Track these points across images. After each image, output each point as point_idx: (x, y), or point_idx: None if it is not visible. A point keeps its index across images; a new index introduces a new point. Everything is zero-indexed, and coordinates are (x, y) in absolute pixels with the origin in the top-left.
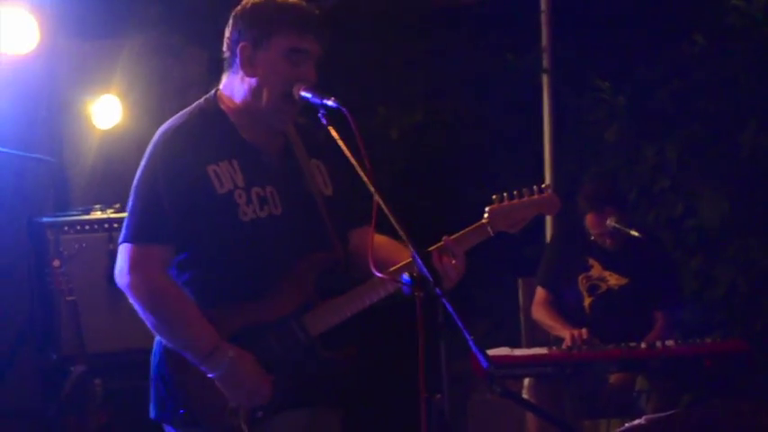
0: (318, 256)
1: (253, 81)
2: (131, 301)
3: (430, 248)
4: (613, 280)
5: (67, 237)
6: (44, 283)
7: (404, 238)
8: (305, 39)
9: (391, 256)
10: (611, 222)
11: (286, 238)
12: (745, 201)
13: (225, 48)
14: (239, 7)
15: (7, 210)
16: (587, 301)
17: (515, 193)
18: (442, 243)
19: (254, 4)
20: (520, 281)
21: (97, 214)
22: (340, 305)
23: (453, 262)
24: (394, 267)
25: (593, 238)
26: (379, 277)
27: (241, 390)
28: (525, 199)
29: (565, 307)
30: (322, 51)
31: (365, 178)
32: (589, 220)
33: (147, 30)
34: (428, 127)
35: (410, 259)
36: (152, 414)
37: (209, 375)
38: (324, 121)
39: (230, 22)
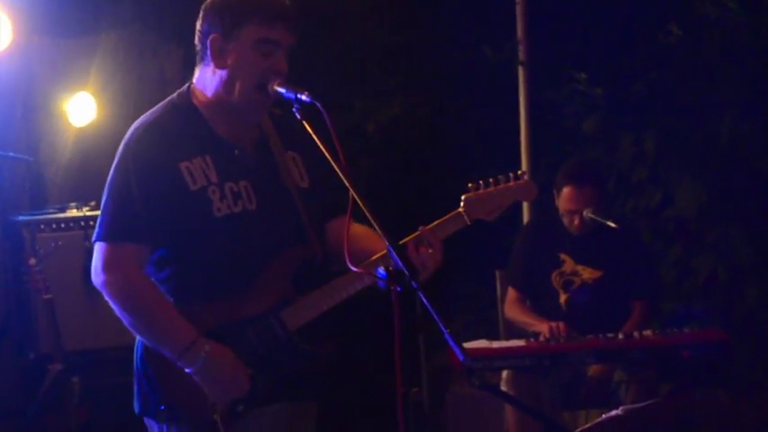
0: (295, 250)
1: (224, 73)
2: (107, 299)
3: (406, 239)
4: (587, 273)
5: (43, 235)
6: (20, 282)
7: (378, 231)
8: (275, 29)
9: (371, 245)
10: (587, 213)
11: (261, 234)
12: (724, 190)
13: (196, 40)
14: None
15: None
16: (563, 298)
17: (491, 180)
18: (417, 233)
19: None
20: (497, 273)
21: (73, 212)
22: (317, 299)
23: (430, 251)
24: (369, 260)
25: (563, 217)
26: (354, 271)
27: (218, 384)
28: (501, 186)
29: (540, 306)
30: (293, 42)
31: (340, 172)
32: (566, 194)
33: (121, 27)
34: (405, 120)
35: (385, 251)
36: (136, 409)
37: (187, 370)
38: (298, 116)
39: (201, 14)
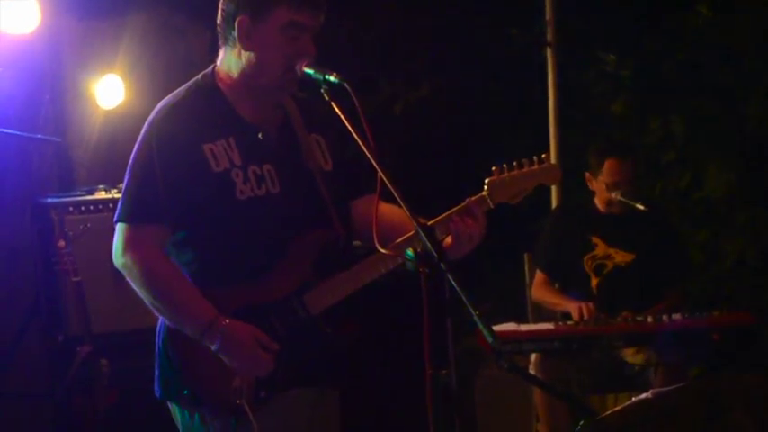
0: (318, 233)
1: (251, 56)
2: (128, 279)
3: (436, 219)
4: (619, 257)
5: (72, 217)
6: (49, 264)
7: (406, 212)
8: (304, 13)
9: (400, 224)
10: (616, 196)
11: (284, 217)
12: (752, 172)
13: (220, 21)
14: None
15: (11, 191)
16: (594, 282)
17: (515, 164)
18: (451, 211)
19: None
20: (526, 256)
21: (101, 194)
22: (341, 282)
23: (475, 223)
24: (397, 241)
25: (604, 193)
26: (381, 253)
27: (241, 358)
28: (525, 170)
29: (571, 290)
30: (320, 25)
31: (368, 154)
32: (609, 167)
33: (149, 9)
34: (432, 102)
35: (413, 232)
36: (157, 392)
37: (213, 348)
38: (326, 97)
39: None
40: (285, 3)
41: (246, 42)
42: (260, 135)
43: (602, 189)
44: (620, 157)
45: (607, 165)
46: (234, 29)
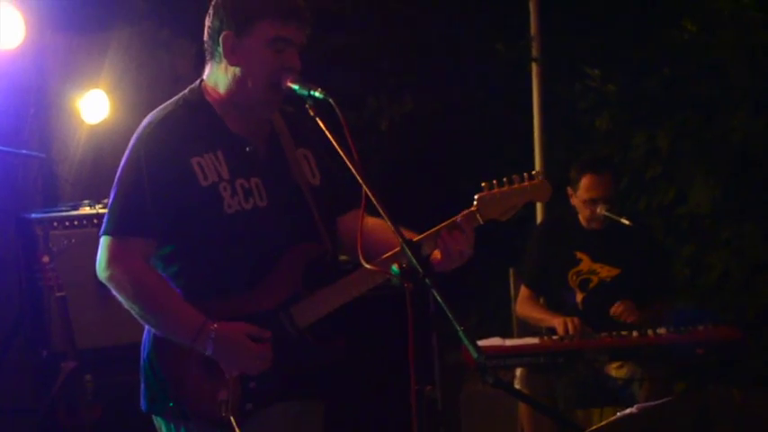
0: (305, 247)
1: (237, 70)
2: (114, 292)
3: (423, 235)
4: (604, 272)
5: (56, 232)
6: (33, 280)
7: (392, 229)
8: (288, 27)
9: (385, 238)
10: (601, 210)
11: (272, 230)
12: (737, 187)
13: (206, 37)
14: None
15: None
16: (579, 297)
17: (505, 180)
18: (438, 228)
19: None
20: (511, 271)
21: (86, 210)
22: (328, 296)
23: (464, 236)
24: (383, 257)
25: (582, 210)
26: (367, 267)
27: (236, 359)
28: (515, 186)
29: (556, 305)
30: (306, 38)
31: (353, 169)
32: (585, 183)
33: (134, 24)
34: (418, 117)
35: (399, 248)
36: (142, 406)
37: (207, 353)
38: (311, 112)
39: (211, 11)
40: (269, 17)
41: (232, 57)
42: (248, 149)
43: (581, 205)
44: (596, 173)
45: (584, 181)
46: (219, 44)
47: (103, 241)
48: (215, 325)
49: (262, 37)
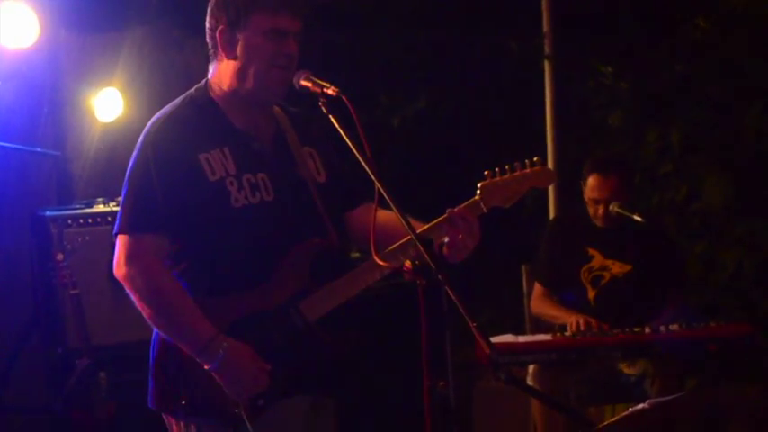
0: (313, 241)
1: (236, 64)
2: (128, 292)
3: (428, 225)
4: (616, 268)
5: (71, 230)
6: (48, 277)
7: (404, 224)
8: (282, 17)
9: (395, 231)
10: (613, 208)
11: (279, 225)
12: (750, 183)
13: (207, 38)
14: None
15: (10, 204)
16: (591, 294)
17: (507, 168)
18: (444, 216)
19: None
20: (524, 267)
21: (100, 207)
22: (336, 289)
23: (467, 226)
24: (391, 248)
25: (588, 208)
26: (375, 259)
27: (236, 382)
28: (517, 173)
29: (568, 302)
30: (301, 27)
31: (366, 166)
32: (591, 183)
33: (148, 22)
34: (430, 115)
35: (408, 237)
36: (151, 404)
37: (208, 367)
38: (324, 110)
39: (208, 11)
40: (261, 8)
41: (229, 51)
42: (254, 145)
43: (589, 204)
44: (601, 174)
45: (590, 180)
46: (216, 41)
47: (119, 240)
48: (225, 342)
49: (257, 29)
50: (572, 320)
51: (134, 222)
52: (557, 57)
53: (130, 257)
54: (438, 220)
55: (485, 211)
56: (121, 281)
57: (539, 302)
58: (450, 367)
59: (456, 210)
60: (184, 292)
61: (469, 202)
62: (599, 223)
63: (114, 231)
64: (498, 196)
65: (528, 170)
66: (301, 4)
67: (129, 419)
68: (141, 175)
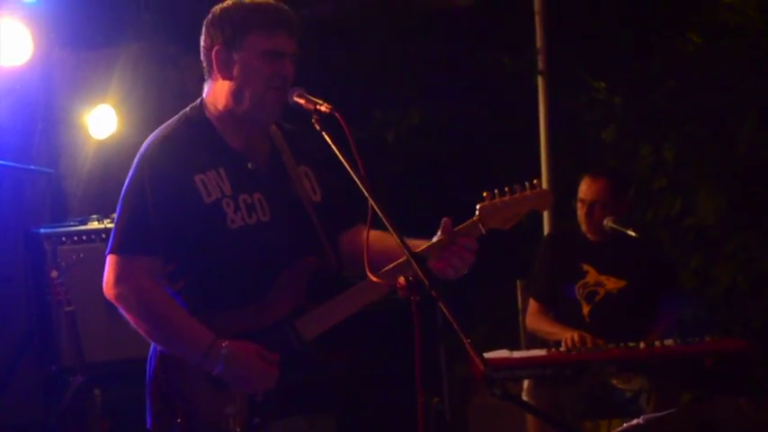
0: (309, 260)
1: (232, 84)
2: (122, 311)
3: (425, 246)
4: (611, 284)
5: (65, 247)
6: (42, 294)
7: (398, 241)
8: (277, 38)
9: (388, 251)
10: (608, 223)
11: (275, 244)
12: (744, 198)
13: (202, 57)
14: (209, 15)
15: (4, 221)
16: (586, 310)
17: (506, 189)
18: (439, 238)
19: (222, 9)
20: (518, 283)
21: (94, 224)
22: (332, 309)
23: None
24: (387, 267)
25: (578, 213)
26: (372, 280)
27: (246, 378)
28: (517, 195)
29: (563, 318)
30: (297, 47)
31: (359, 183)
32: (581, 186)
33: (142, 39)
34: (424, 130)
35: (403, 259)
36: (148, 424)
37: (215, 372)
38: (317, 127)
39: (203, 30)
40: (257, 29)
41: (225, 71)
42: (249, 165)
43: (578, 208)
44: (591, 177)
45: (581, 184)
46: (212, 60)
47: (110, 260)
48: (225, 343)
49: (253, 50)
50: (567, 336)
51: (126, 243)
52: (550, 72)
53: (121, 278)
54: (435, 240)
55: (483, 232)
56: (113, 301)
57: (534, 318)
58: (446, 383)
59: (455, 230)
60: (177, 304)
61: (468, 223)
62: (604, 237)
63: (107, 251)
64: (497, 218)
65: (527, 192)
66: (297, 24)
67: None
68: (136, 197)
